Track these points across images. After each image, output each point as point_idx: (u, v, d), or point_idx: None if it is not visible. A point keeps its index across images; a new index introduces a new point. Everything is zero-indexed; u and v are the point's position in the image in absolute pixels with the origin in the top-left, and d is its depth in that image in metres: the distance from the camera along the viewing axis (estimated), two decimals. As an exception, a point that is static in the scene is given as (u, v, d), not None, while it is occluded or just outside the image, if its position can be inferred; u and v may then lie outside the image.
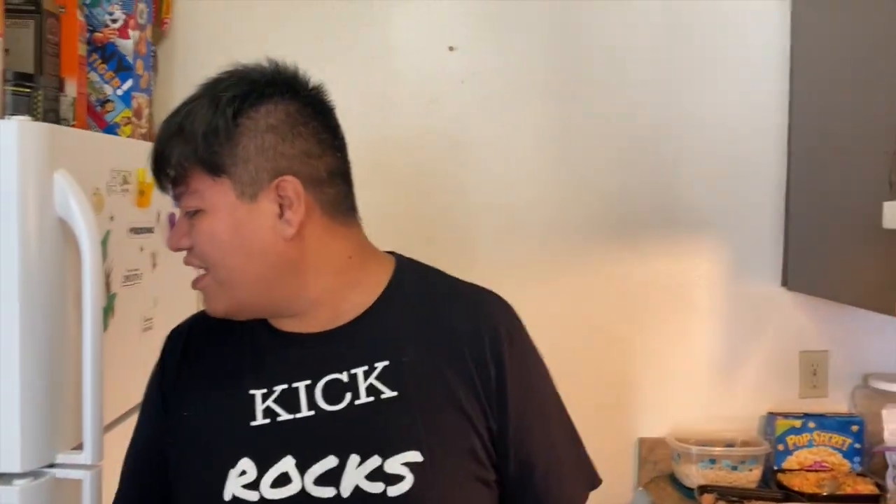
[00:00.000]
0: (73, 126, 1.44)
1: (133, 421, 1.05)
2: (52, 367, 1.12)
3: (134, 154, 1.45)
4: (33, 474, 1.10)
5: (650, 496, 1.94)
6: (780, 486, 1.85)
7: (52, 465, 1.13)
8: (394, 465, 0.83)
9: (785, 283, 1.98)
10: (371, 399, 0.87)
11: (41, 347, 1.10)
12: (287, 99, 0.89)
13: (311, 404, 0.87)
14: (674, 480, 1.93)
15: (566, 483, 0.95)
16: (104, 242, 1.24)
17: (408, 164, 1.99)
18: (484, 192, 1.99)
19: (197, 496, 0.89)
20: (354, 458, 0.84)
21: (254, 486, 0.84)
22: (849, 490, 1.79)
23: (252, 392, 0.89)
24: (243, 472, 0.85)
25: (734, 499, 1.74)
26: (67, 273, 1.15)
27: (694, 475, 1.85)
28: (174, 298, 1.70)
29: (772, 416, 1.97)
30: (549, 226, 1.99)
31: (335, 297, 0.91)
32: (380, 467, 0.83)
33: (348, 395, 0.87)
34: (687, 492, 1.85)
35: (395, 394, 0.87)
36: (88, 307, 1.12)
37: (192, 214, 0.89)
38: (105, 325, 1.25)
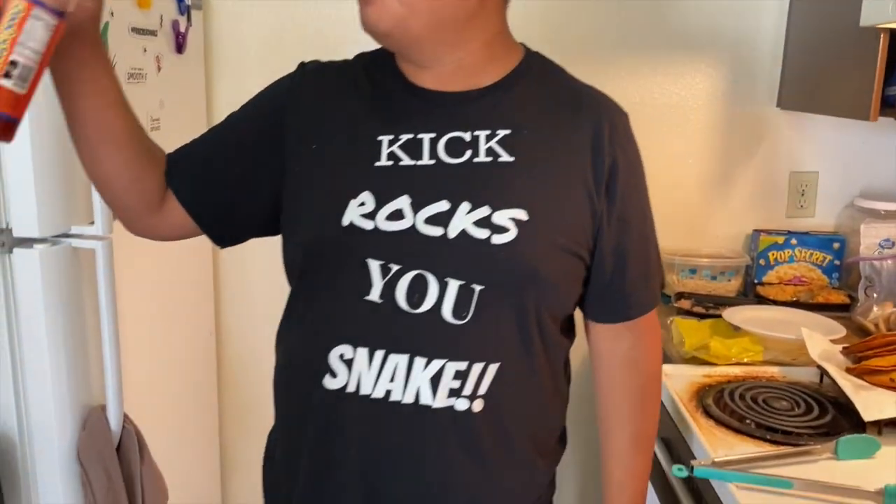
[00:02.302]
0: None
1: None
2: (61, 146, 1.22)
3: (131, -48, 1.49)
4: (51, 242, 1.23)
5: (634, 305, 2.05)
6: (758, 297, 1.95)
7: (67, 237, 1.26)
8: (501, 217, 0.90)
9: (780, 103, 2.01)
10: (489, 159, 0.93)
11: (48, 124, 1.19)
12: None
13: (433, 154, 0.94)
14: (656, 290, 2.05)
15: (652, 276, 1.05)
16: (103, 33, 1.30)
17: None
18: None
19: (316, 221, 0.95)
20: (465, 206, 0.91)
21: (370, 216, 0.92)
22: (821, 300, 1.90)
23: (380, 138, 0.95)
24: (362, 204, 0.92)
25: (710, 304, 1.85)
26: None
27: (674, 284, 1.96)
28: (181, 103, 1.79)
29: (756, 233, 2.05)
30: (542, 45, 1.99)
31: (476, 63, 0.97)
32: (488, 217, 0.90)
33: (468, 152, 0.94)
34: (666, 299, 1.96)
35: (511, 159, 0.93)
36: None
37: None
38: (110, 115, 1.34)
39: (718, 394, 1.39)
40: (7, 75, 0.75)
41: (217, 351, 2.14)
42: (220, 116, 1.95)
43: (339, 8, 1.98)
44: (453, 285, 0.90)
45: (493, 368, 0.92)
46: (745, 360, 1.54)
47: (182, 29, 1.74)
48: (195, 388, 2.01)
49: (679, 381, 1.46)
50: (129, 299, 1.44)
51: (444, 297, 0.90)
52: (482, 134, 0.95)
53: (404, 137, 0.95)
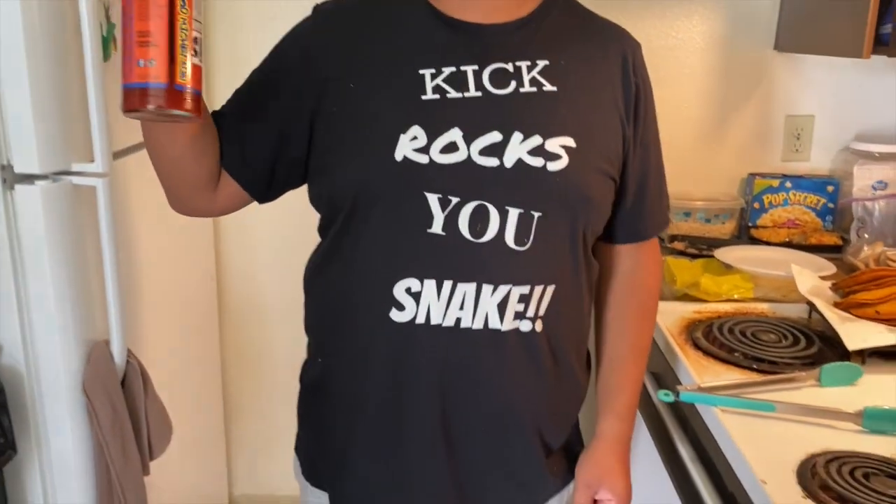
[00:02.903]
0: None
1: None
2: (60, 83, 1.23)
3: None
4: (52, 179, 1.25)
5: (629, 248, 2.08)
6: (752, 239, 1.98)
7: (68, 174, 1.28)
8: (553, 145, 0.94)
9: (778, 46, 2.00)
10: (534, 89, 0.96)
11: (47, 65, 1.21)
12: None
13: (479, 86, 0.95)
14: (652, 233, 2.07)
15: (664, 199, 1.13)
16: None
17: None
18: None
19: (367, 158, 0.95)
20: (518, 135, 0.93)
21: (424, 150, 0.92)
22: (814, 241, 1.92)
23: (422, 72, 0.95)
24: (414, 138, 0.93)
25: (703, 246, 1.87)
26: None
27: (669, 226, 1.98)
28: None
29: (752, 177, 2.06)
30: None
31: None
32: (541, 145, 0.93)
33: (513, 83, 0.96)
34: (660, 241, 1.98)
35: (554, 88, 0.96)
36: (87, 29, 1.21)
37: None
38: (107, 55, 1.35)
39: (707, 328, 1.43)
40: (196, 53, 0.77)
41: (218, 289, 2.18)
42: (216, 66, 1.95)
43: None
44: (513, 213, 0.93)
45: (550, 290, 0.98)
46: (736, 296, 1.57)
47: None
48: (197, 324, 2.05)
49: (670, 316, 1.49)
50: (131, 237, 1.47)
51: (505, 225, 0.93)
52: (523, 65, 0.97)
53: (447, 71, 0.96)
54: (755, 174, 2.06)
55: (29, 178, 1.23)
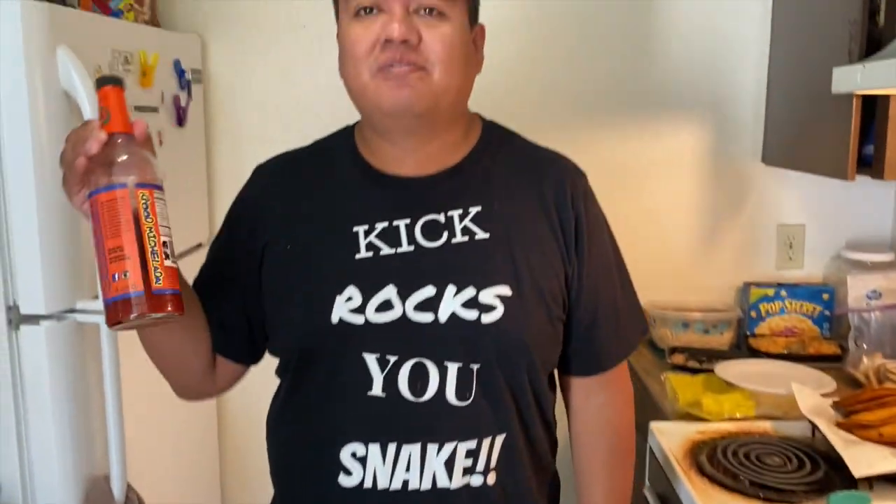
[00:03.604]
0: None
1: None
2: (66, 225, 1.26)
3: (135, 36, 1.55)
4: (56, 318, 1.27)
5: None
6: (750, 349, 1.98)
7: (73, 312, 1.30)
8: (487, 296, 0.93)
9: (765, 159, 2.06)
10: (466, 238, 0.96)
11: (55, 208, 1.24)
12: None
13: (411, 240, 0.95)
14: (650, 344, 2.07)
15: (622, 327, 1.08)
16: (108, 116, 1.35)
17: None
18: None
19: (304, 321, 0.96)
20: (451, 288, 0.93)
21: (360, 310, 0.93)
22: (812, 351, 1.92)
23: (355, 229, 0.96)
24: (349, 299, 0.93)
25: (703, 358, 1.87)
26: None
27: (667, 338, 1.99)
28: (183, 172, 1.84)
29: (747, 286, 2.08)
30: (536, 107, 2.06)
31: (454, 141, 1.01)
32: (475, 297, 0.93)
33: (445, 234, 0.96)
34: (661, 354, 1.99)
35: (487, 235, 0.96)
36: (95, 172, 1.25)
37: (429, 13, 0.91)
38: (114, 192, 1.39)
39: (712, 450, 1.41)
40: (168, 256, 0.81)
41: (218, 419, 2.16)
42: (220, 183, 2.01)
43: (332, 77, 2.04)
44: (452, 368, 0.93)
45: (500, 439, 0.96)
46: (738, 415, 1.56)
47: (183, 103, 1.80)
48: (197, 455, 2.03)
49: (673, 438, 1.48)
50: (132, 370, 1.47)
51: (445, 381, 0.93)
52: (455, 214, 0.97)
53: (380, 226, 0.96)
54: (750, 283, 2.08)
55: (34, 319, 1.25)
